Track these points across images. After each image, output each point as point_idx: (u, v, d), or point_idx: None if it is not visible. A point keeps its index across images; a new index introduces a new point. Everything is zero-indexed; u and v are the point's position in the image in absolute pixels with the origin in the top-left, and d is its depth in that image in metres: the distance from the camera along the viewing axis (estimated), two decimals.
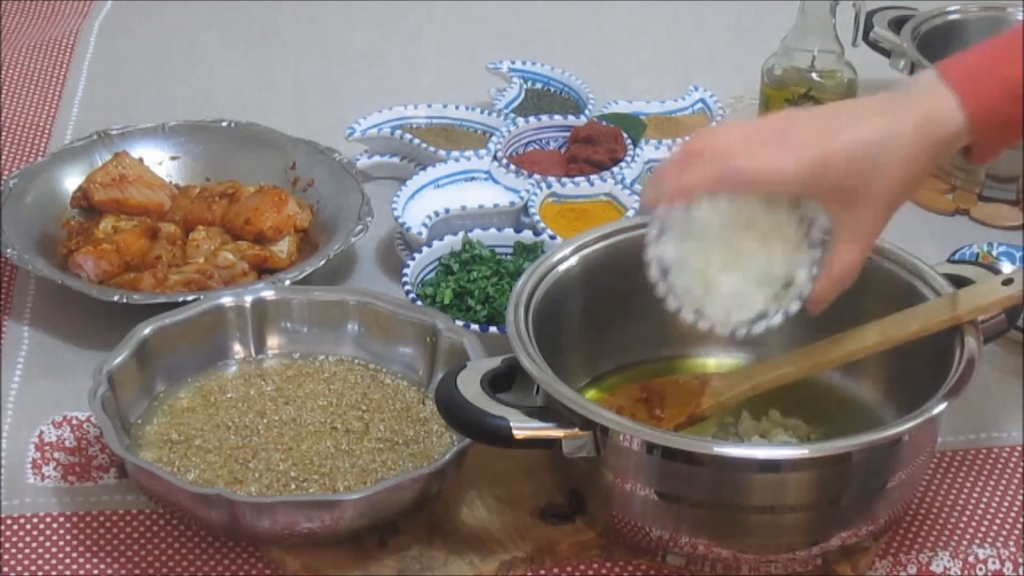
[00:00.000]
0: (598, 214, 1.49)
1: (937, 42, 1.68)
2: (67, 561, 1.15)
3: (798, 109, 1.26)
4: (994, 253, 1.46)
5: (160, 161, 1.56)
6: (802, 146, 1.05)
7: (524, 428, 1.08)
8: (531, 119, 1.61)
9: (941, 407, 1.08)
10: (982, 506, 1.22)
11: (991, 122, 1.07)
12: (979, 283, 1.18)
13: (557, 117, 1.62)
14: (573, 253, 1.24)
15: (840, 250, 1.09)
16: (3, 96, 1.78)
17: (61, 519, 1.19)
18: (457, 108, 1.66)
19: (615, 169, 1.53)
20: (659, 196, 1.10)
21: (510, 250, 1.43)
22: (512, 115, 1.64)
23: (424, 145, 1.58)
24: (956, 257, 1.45)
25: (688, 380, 1.20)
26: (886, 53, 1.70)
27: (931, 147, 1.06)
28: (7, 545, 1.16)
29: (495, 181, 1.53)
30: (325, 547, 1.13)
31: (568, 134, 1.60)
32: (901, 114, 1.06)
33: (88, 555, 1.16)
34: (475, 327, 1.30)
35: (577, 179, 1.52)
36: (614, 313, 1.27)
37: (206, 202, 1.48)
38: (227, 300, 1.29)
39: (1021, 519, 1.21)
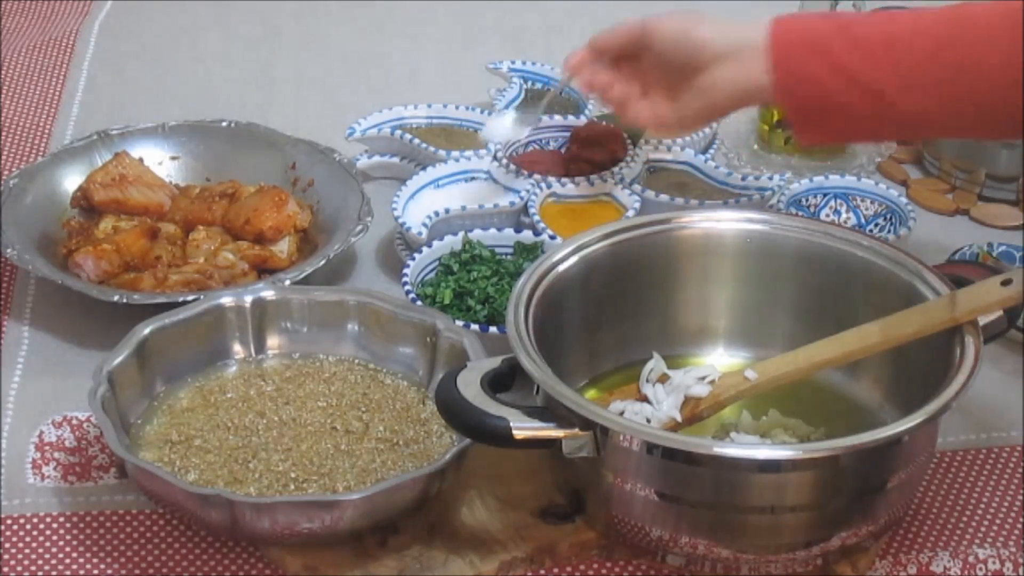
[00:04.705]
0: (598, 214, 1.49)
1: None
2: (67, 561, 1.15)
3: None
4: (994, 253, 1.46)
5: (160, 161, 1.56)
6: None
7: (524, 428, 1.08)
8: None
9: (941, 407, 1.08)
10: (982, 506, 1.22)
11: (793, 78, 1.18)
12: (979, 283, 1.17)
13: (557, 117, 1.62)
14: (573, 253, 1.24)
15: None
16: (3, 96, 1.78)
17: (61, 519, 1.19)
18: (457, 108, 1.66)
19: (615, 169, 1.53)
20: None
21: (510, 250, 1.43)
22: None
23: (424, 145, 1.58)
24: (956, 257, 1.45)
25: None
26: None
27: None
28: (7, 545, 1.16)
29: (495, 181, 1.53)
30: (325, 547, 1.13)
31: (568, 134, 1.60)
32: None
33: (88, 555, 1.16)
34: (475, 327, 1.30)
35: (577, 179, 1.52)
36: (614, 313, 1.27)
37: (206, 202, 1.48)
38: (227, 300, 1.29)
39: (1021, 519, 1.21)
